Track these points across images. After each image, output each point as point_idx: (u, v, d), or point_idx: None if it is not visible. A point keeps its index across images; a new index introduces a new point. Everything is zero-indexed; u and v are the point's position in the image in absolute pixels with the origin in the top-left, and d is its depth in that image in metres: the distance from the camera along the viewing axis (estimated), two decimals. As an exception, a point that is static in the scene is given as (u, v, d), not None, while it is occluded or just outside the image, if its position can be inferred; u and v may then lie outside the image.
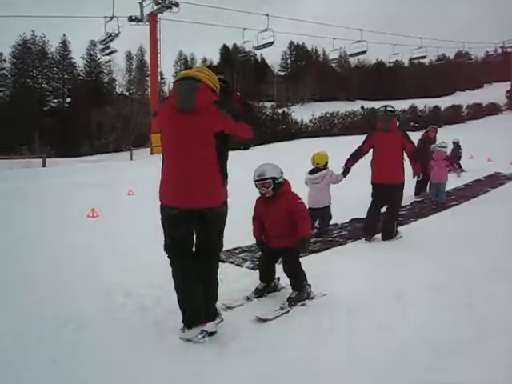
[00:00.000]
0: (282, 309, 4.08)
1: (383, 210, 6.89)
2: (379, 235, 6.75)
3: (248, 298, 4.35)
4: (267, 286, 4.50)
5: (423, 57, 34.81)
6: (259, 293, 4.43)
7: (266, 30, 26.64)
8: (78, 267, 5.29)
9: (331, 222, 7.24)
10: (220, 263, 5.47)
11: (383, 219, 6.75)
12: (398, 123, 6.96)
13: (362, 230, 6.87)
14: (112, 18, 24.21)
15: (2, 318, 3.93)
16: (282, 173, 4.28)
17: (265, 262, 4.53)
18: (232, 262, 5.60)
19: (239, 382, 2.95)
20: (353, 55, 32.91)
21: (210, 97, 3.37)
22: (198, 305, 3.51)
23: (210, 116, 3.34)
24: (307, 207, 6.39)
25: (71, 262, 5.54)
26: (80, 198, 10.59)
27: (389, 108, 6.93)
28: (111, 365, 3.16)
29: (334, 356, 3.24)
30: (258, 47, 28.68)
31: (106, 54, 28.64)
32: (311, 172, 7.02)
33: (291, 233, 4.27)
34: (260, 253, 4.80)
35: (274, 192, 4.24)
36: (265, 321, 3.85)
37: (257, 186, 4.31)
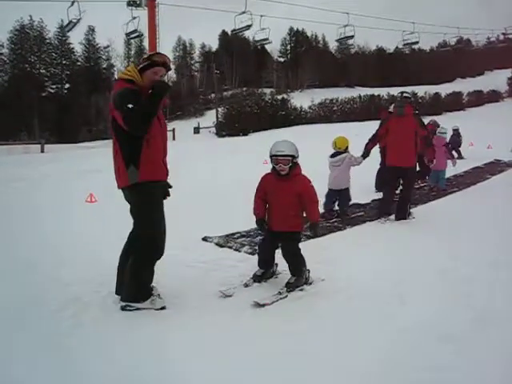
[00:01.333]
0: (279, 294, 4.05)
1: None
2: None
3: (246, 285, 4.30)
4: (265, 272, 4.44)
5: (416, 42, 34.36)
6: (257, 279, 4.37)
7: (243, 12, 26.06)
8: (77, 251, 5.26)
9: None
10: (218, 248, 5.54)
11: (398, 200, 7.01)
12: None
13: (377, 210, 7.19)
14: (73, 2, 22.57)
15: (2, 300, 3.90)
16: (298, 153, 4.25)
17: (266, 247, 4.42)
18: (230, 247, 5.57)
19: (237, 368, 2.92)
20: (340, 39, 32.41)
21: (114, 90, 3.63)
22: (119, 278, 3.92)
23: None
24: (328, 188, 6.96)
25: (70, 246, 5.51)
26: (78, 183, 10.56)
27: (405, 94, 7.20)
28: (109, 349, 3.14)
29: (332, 342, 3.23)
30: (236, 31, 28.12)
31: (132, 38, 28.40)
32: (332, 156, 7.30)
33: (295, 216, 4.24)
34: (260, 238, 4.73)
35: (289, 170, 4.19)
36: (262, 306, 3.82)
37: (273, 162, 4.23)
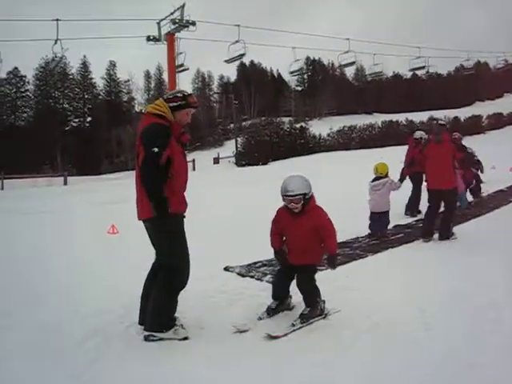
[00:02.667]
0: (293, 325, 3.92)
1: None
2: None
3: (260, 318, 4.12)
4: (280, 304, 4.26)
5: (422, 67, 34.36)
6: (271, 312, 4.19)
7: (237, 41, 26.37)
8: (99, 282, 5.30)
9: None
10: (240, 277, 5.52)
11: (440, 221, 7.32)
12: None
13: (420, 231, 7.51)
14: (56, 41, 22.55)
15: (23, 331, 3.94)
16: (311, 187, 4.10)
17: (281, 280, 4.28)
18: (252, 277, 5.54)
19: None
20: (342, 66, 32.47)
21: (142, 124, 3.74)
22: (142, 306, 3.93)
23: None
24: (370, 211, 7.59)
25: (92, 277, 5.55)
26: (100, 214, 10.69)
27: (440, 122, 7.96)
28: (132, 379, 3.13)
29: (349, 373, 3.14)
30: (229, 60, 28.37)
31: (179, 71, 29.10)
32: (373, 180, 7.74)
33: (313, 249, 4.12)
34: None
35: (302, 207, 4.05)
36: (275, 338, 3.70)
37: (284, 201, 4.08)
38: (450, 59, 38.49)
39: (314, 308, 4.09)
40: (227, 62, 28.08)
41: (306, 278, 4.14)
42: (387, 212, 7.66)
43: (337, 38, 29.47)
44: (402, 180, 7.99)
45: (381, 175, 7.67)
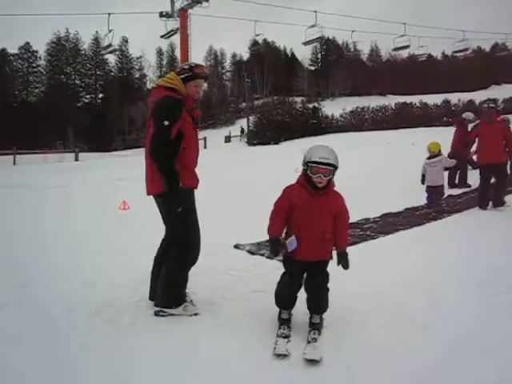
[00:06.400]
0: (315, 340, 3.34)
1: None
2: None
3: (284, 335, 3.40)
4: (290, 313, 3.65)
5: (407, 46, 33.52)
6: (288, 323, 3.55)
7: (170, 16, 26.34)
8: (111, 258, 5.33)
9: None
10: (250, 255, 5.52)
11: (494, 191, 8.31)
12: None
13: (476, 200, 8.46)
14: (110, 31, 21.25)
15: (35, 305, 3.98)
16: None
17: (290, 285, 3.53)
18: (262, 255, 5.53)
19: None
20: (308, 42, 31.24)
21: (154, 97, 3.72)
22: (153, 284, 3.93)
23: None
24: (426, 185, 8.52)
25: (104, 253, 5.58)
26: (111, 190, 10.71)
27: (491, 104, 9.28)
28: (142, 354, 3.15)
29: (358, 357, 3.14)
30: (164, 35, 28.34)
31: (254, 51, 29.44)
32: (429, 158, 8.56)
33: (330, 241, 3.48)
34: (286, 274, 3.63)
35: (327, 184, 3.40)
36: (317, 362, 3.10)
37: (310, 170, 3.32)
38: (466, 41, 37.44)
39: (323, 312, 3.58)
40: (163, 36, 28.04)
41: (324, 278, 3.51)
42: (442, 185, 8.63)
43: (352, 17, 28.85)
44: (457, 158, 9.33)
45: (434, 153, 8.48)
